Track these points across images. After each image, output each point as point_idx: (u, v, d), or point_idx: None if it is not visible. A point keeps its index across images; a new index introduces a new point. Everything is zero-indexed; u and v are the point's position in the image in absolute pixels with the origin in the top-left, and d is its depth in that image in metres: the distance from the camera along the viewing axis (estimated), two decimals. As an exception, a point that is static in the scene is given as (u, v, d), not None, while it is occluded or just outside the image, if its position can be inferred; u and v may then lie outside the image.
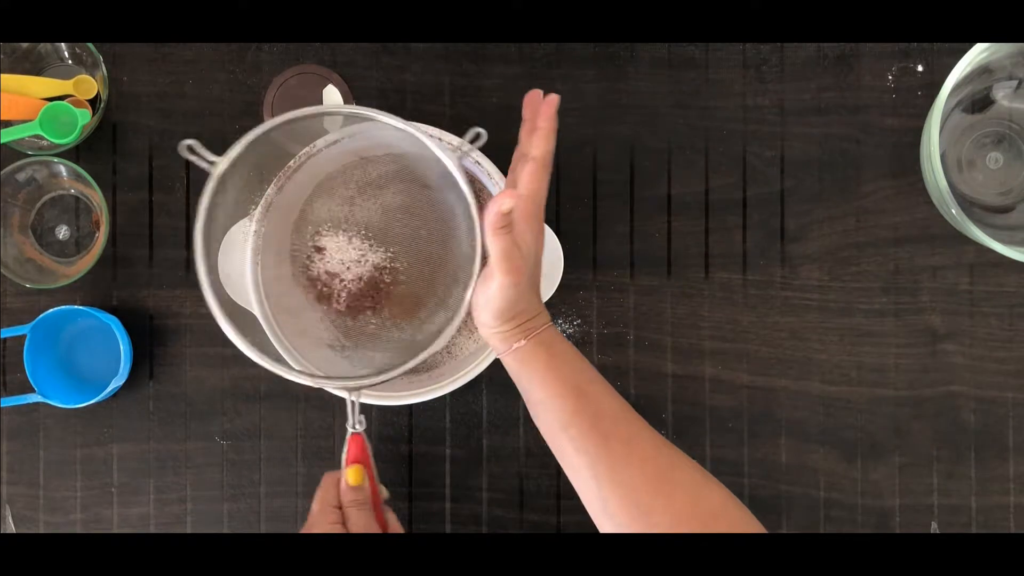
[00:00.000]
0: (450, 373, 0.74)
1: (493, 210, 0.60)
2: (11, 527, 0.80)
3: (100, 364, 0.81)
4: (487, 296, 0.63)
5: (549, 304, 0.75)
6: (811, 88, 0.81)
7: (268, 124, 0.65)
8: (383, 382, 0.67)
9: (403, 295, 0.76)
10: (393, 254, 0.76)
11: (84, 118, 0.77)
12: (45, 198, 0.81)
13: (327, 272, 0.76)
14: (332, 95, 0.78)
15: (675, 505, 0.60)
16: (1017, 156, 0.79)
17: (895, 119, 0.81)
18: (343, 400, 0.72)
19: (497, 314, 0.63)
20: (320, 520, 0.67)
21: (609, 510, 0.60)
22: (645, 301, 0.81)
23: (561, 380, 0.63)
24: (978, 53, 0.70)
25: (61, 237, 0.81)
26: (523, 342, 0.63)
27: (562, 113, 0.81)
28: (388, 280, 0.76)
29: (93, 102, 0.80)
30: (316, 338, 0.76)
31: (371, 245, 0.76)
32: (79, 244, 0.81)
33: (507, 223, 0.61)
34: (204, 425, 0.81)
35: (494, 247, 0.61)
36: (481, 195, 0.76)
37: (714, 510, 0.60)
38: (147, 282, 0.81)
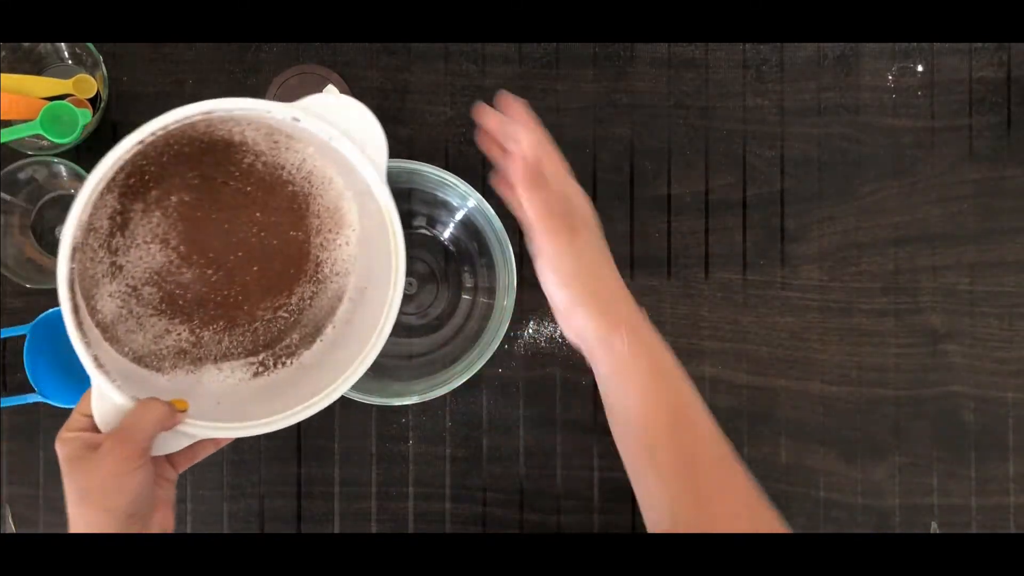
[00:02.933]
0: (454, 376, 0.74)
1: (520, 166, 0.55)
2: (11, 527, 0.80)
3: (100, 364, 0.81)
4: (548, 270, 0.56)
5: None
6: (811, 88, 0.81)
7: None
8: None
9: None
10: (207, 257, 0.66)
11: (85, 118, 0.77)
12: (45, 198, 0.81)
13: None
14: (332, 95, 0.78)
15: None
16: None
17: (895, 119, 0.81)
18: (343, 400, 0.72)
19: (570, 287, 0.55)
20: (77, 421, 0.59)
21: None
22: (645, 301, 0.81)
23: (660, 395, 0.55)
24: None
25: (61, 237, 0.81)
26: (624, 339, 0.56)
27: (562, 113, 0.81)
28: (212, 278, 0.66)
29: (93, 101, 0.80)
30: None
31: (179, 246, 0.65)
32: (79, 244, 0.81)
33: (539, 175, 0.55)
34: (204, 425, 0.81)
35: (534, 204, 0.55)
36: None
37: None
38: (147, 282, 0.81)
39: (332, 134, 0.60)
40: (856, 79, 0.81)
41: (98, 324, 0.62)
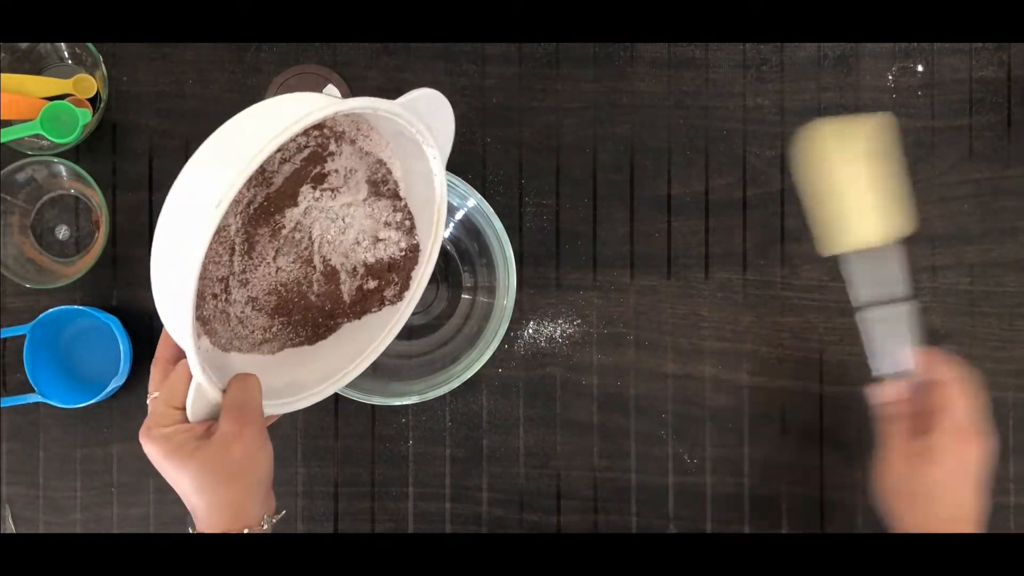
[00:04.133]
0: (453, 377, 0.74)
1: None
2: (11, 527, 0.80)
3: (100, 364, 0.81)
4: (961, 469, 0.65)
5: (548, 304, 0.75)
6: (811, 88, 0.81)
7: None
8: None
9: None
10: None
11: (85, 117, 0.77)
12: (45, 198, 0.81)
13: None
14: (332, 95, 0.78)
15: None
16: None
17: (895, 119, 0.81)
18: (343, 400, 0.72)
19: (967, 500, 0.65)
20: (164, 412, 0.58)
21: None
22: (645, 301, 0.81)
23: None
24: None
25: (61, 237, 0.81)
26: None
27: (562, 113, 0.81)
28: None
29: (93, 101, 0.80)
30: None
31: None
32: (79, 244, 0.81)
33: None
34: (204, 425, 0.81)
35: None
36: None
37: None
38: (147, 282, 0.80)
39: (415, 124, 0.60)
40: (856, 79, 0.81)
41: (198, 317, 0.61)
